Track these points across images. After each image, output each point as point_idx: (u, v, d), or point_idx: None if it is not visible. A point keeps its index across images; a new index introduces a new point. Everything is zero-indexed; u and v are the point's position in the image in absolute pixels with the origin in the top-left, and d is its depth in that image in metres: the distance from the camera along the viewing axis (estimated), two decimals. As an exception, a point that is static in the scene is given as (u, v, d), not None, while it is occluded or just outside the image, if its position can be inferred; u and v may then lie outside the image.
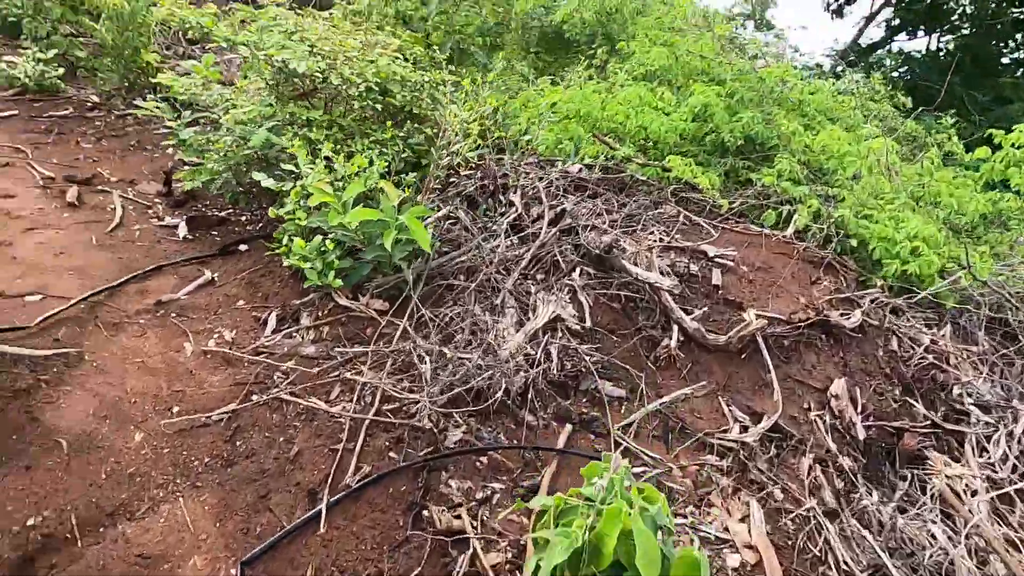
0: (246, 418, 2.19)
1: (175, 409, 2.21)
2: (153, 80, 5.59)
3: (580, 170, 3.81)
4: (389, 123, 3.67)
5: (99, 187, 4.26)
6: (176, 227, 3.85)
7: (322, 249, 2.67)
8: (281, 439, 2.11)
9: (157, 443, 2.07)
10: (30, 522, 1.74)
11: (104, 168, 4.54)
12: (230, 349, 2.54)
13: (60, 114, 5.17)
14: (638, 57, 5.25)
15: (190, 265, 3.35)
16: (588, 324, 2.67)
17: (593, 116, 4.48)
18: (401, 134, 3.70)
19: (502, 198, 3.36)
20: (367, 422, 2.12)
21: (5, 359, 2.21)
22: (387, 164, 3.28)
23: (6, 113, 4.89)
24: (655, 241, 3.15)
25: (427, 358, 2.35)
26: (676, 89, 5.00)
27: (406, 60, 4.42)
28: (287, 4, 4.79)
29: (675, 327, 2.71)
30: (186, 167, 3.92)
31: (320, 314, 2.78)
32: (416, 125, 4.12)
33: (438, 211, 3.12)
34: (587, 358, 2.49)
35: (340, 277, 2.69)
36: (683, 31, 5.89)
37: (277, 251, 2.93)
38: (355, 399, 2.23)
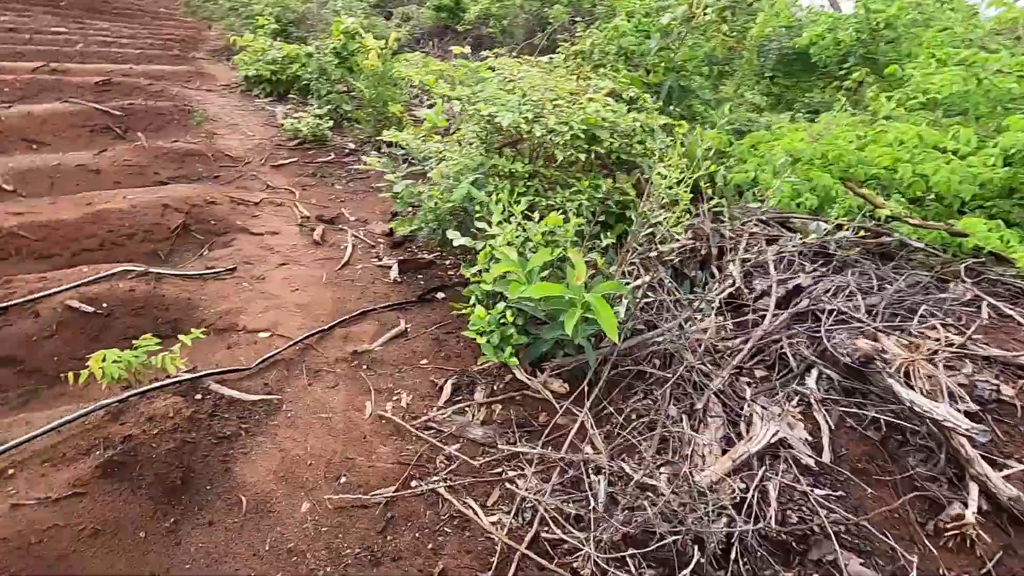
0: (401, 508, 2.01)
1: (342, 480, 2.13)
2: (398, 130, 6.24)
3: (825, 232, 2.98)
4: (585, 181, 3.33)
5: (340, 226, 4.73)
6: (390, 268, 4.04)
7: (501, 321, 2.43)
8: (430, 545, 1.86)
9: (319, 518, 1.99)
10: (196, 587, 1.77)
11: (347, 208, 5.06)
12: (403, 418, 2.42)
13: (325, 159, 5.99)
14: (918, 82, 4.07)
15: (391, 311, 3.43)
16: (827, 458, 1.94)
17: (845, 160, 3.54)
18: (602, 190, 3.33)
19: (716, 269, 2.76)
20: (519, 554, 1.76)
21: (222, 402, 2.39)
22: (583, 222, 2.94)
23: (288, 160, 5.82)
24: (939, 343, 2.22)
25: (602, 479, 1.90)
26: (974, 122, 3.73)
27: (621, 99, 4.07)
28: (509, 53, 4.84)
29: (973, 486, 1.81)
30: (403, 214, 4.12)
31: (495, 388, 2.53)
32: (623, 173, 3.73)
33: (635, 281, 2.65)
34: (822, 512, 1.78)
35: (518, 353, 2.41)
36: (979, 44, 4.46)
37: (463, 312, 2.80)
38: (513, 512, 1.90)
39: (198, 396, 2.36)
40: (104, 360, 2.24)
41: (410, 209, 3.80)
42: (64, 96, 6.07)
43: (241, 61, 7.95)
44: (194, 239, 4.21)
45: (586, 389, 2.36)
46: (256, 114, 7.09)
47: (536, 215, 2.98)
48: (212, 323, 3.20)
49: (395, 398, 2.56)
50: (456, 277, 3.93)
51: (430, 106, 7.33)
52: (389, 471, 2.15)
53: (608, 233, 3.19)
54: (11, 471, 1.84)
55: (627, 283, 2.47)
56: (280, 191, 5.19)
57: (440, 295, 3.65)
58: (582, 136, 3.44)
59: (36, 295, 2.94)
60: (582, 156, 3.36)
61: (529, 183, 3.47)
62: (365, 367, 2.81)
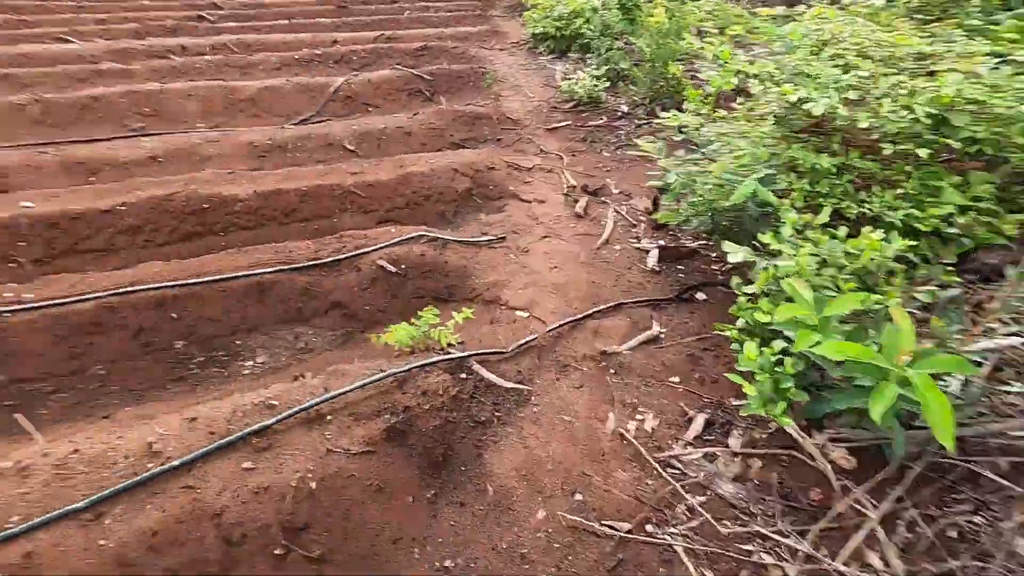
0: (632, 552, 1.89)
1: (577, 497, 2.11)
2: (675, 92, 5.71)
3: None
4: (910, 184, 2.50)
5: (603, 199, 4.62)
6: (648, 253, 3.80)
7: (777, 366, 2.01)
8: (658, 610, 1.72)
9: (552, 531, 2.01)
10: (445, 563, 1.95)
11: (612, 178, 4.91)
12: (645, 444, 2.26)
13: (596, 123, 5.86)
14: None
15: (645, 307, 3.22)
16: None
17: None
18: (956, 217, 2.47)
19: None
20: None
21: (481, 385, 2.57)
22: (907, 246, 2.22)
23: (561, 123, 5.86)
24: None
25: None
26: None
27: (998, 58, 2.91)
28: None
29: None
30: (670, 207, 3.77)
31: (755, 436, 2.17)
32: (977, 169, 2.72)
33: (985, 341, 1.90)
34: None
35: (791, 406, 1.99)
36: None
37: (726, 332, 2.43)
38: (761, 613, 1.61)
39: (462, 375, 2.56)
40: (397, 330, 2.57)
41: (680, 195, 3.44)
42: (393, 62, 7.08)
43: (530, 18, 8.16)
44: (474, 203, 4.57)
45: (884, 476, 1.84)
46: (538, 73, 7.27)
47: (842, 231, 2.36)
48: (480, 294, 3.46)
49: (639, 417, 2.41)
50: (721, 274, 3.50)
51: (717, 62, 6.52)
52: (624, 504, 2.04)
53: (946, 262, 2.38)
54: (329, 417, 2.26)
55: (975, 359, 1.78)
56: (551, 156, 5.28)
57: (700, 296, 3.30)
58: (927, 121, 2.58)
59: (359, 251, 3.53)
60: (922, 152, 2.52)
61: (836, 181, 2.78)
62: (612, 371, 2.71)
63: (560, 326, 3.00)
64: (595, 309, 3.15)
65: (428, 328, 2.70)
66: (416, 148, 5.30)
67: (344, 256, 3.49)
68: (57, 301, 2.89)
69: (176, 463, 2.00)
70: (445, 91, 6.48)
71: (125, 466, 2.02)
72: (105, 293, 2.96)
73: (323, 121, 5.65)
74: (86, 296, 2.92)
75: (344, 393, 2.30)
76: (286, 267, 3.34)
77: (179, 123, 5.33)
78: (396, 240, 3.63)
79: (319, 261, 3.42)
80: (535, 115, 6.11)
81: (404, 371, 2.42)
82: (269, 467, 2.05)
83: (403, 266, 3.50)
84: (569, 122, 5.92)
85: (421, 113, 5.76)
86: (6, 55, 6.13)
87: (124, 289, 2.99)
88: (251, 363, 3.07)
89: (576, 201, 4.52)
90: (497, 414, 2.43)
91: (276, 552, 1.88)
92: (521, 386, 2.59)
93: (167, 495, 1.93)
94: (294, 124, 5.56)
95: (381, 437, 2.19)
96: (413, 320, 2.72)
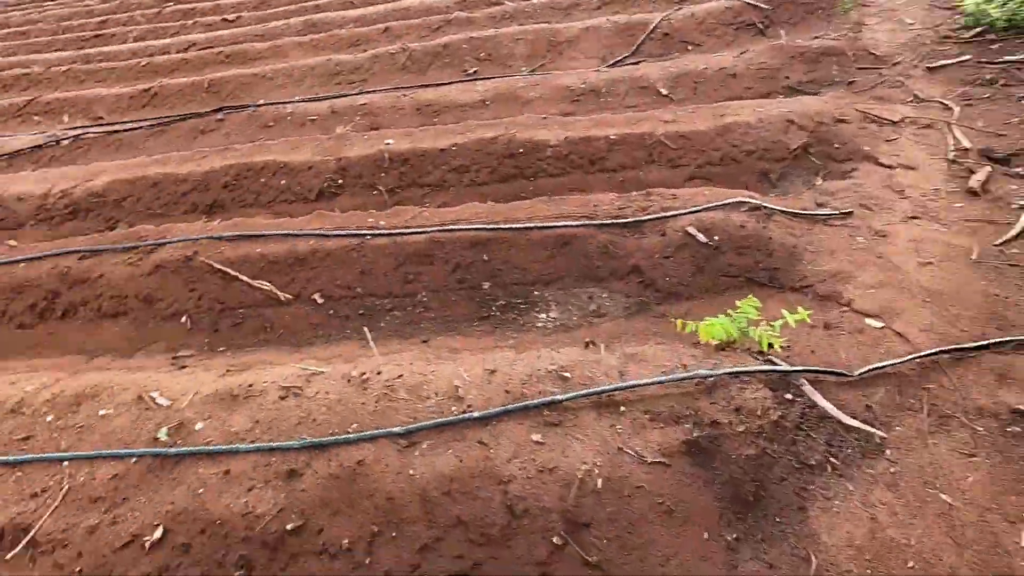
0: None
1: (958, 627, 1.42)
2: None
3: None
4: None
5: (1016, 171, 3.21)
6: (1104, 265, 2.45)
7: None
8: None
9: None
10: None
11: (1038, 141, 3.36)
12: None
13: (1013, 59, 4.07)
14: None
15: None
16: None
17: None
18: None
19: None
20: None
21: (811, 414, 1.96)
22: None
23: (953, 60, 4.23)
24: None
25: None
26: None
27: None
28: None
29: None
30: None
31: None
32: None
33: None
34: None
35: None
36: None
37: None
38: None
39: (787, 395, 1.99)
40: (714, 325, 2.12)
41: None
42: (723, -10, 6.08)
43: (921, -86, 6.02)
44: (809, 163, 3.66)
45: None
46: (923, -10, 5.39)
47: None
48: (811, 284, 2.72)
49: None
50: None
51: None
52: None
53: None
54: (623, 408, 1.99)
55: None
56: (931, 106, 3.89)
57: None
58: None
59: (667, 213, 3.11)
60: None
61: None
62: (1012, 443, 1.78)
63: (938, 353, 2.12)
64: (998, 340, 2.14)
65: (746, 324, 2.18)
66: (739, 93, 4.47)
67: (649, 217, 3.11)
68: (401, 230, 3.26)
69: (476, 415, 2.01)
70: (787, 21, 5.30)
71: (434, 403, 2.11)
72: (435, 228, 3.22)
73: (638, 62, 5.20)
74: (422, 229, 3.23)
75: (642, 385, 1.99)
76: (589, 222, 3.14)
77: (506, 67, 5.55)
78: (710, 205, 3.08)
79: (623, 220, 3.13)
80: (910, 49, 4.56)
81: (715, 375, 1.98)
82: (557, 446, 1.90)
83: (715, 237, 2.96)
84: (968, 57, 4.24)
85: (750, 50, 4.82)
86: (389, 10, 7.25)
87: (450, 227, 3.21)
88: (544, 316, 3.02)
89: (970, 171, 3.23)
90: (832, 460, 1.83)
91: (554, 540, 1.74)
92: (871, 428, 1.90)
93: (465, 444, 1.95)
94: (609, 66, 5.26)
95: (680, 449, 1.84)
96: (729, 311, 2.22)
